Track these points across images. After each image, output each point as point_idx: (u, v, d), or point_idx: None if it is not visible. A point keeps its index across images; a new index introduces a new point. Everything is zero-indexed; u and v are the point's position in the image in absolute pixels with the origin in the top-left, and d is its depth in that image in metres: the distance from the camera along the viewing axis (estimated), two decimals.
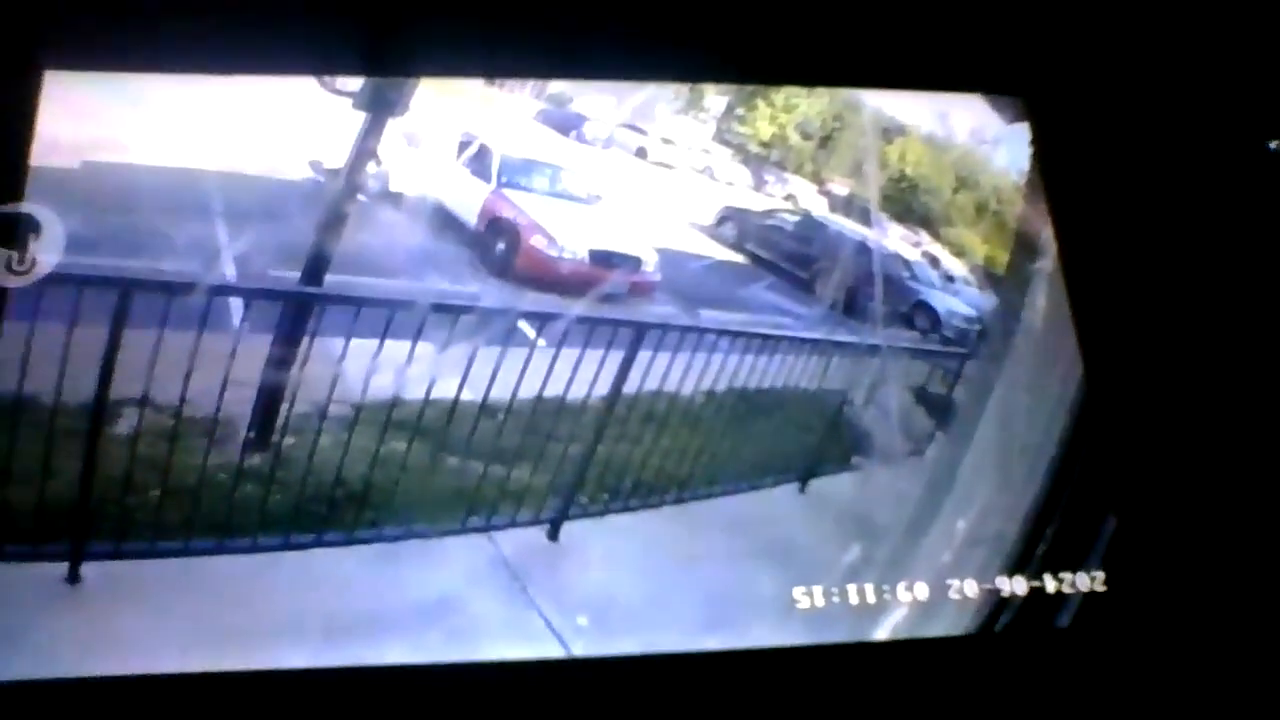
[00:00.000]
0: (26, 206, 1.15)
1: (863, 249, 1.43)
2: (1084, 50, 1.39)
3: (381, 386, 1.22)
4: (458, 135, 1.50)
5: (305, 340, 1.21)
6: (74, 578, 1.09)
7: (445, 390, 1.25)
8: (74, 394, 1.11)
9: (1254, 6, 1.39)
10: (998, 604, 1.19)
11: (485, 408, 1.27)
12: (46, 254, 1.13)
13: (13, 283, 1.12)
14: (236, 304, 1.22)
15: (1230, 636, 1.16)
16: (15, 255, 1.13)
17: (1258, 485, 1.21)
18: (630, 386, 1.32)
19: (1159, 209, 1.33)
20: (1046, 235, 1.33)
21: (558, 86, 1.54)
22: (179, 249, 1.21)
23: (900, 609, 1.17)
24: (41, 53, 1.22)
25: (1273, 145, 1.37)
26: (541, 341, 1.30)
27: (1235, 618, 1.17)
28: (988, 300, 1.44)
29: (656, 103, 1.56)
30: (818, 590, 1.15)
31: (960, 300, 1.44)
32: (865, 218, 1.44)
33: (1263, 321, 1.28)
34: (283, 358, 1.19)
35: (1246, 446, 1.23)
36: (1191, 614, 1.17)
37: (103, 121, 1.25)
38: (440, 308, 1.25)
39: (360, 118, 1.33)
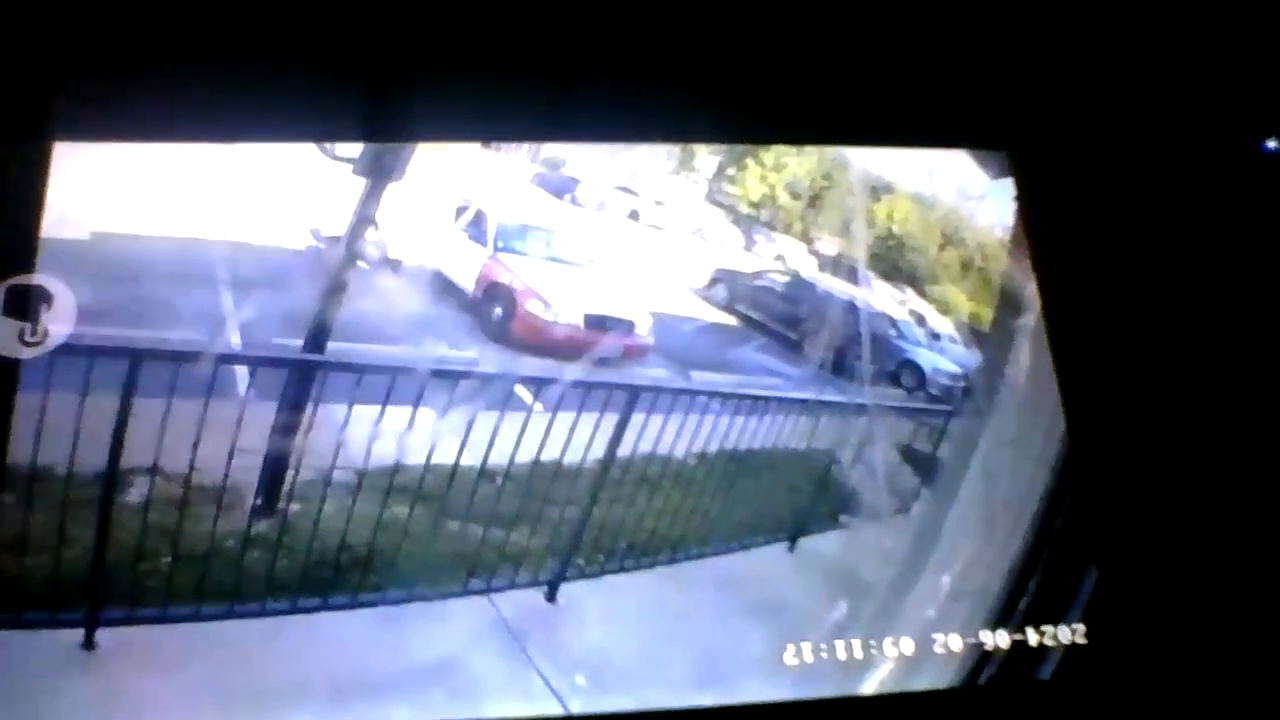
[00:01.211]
0: (38, 278, 1.18)
1: (850, 308, 1.46)
2: (1067, 105, 1.42)
3: (384, 453, 1.26)
4: (455, 200, 1.53)
5: (309, 407, 1.24)
6: (89, 644, 1.12)
7: (445, 455, 1.28)
8: (86, 463, 1.14)
9: (1234, 66, 1.41)
10: (981, 657, 1.22)
11: (484, 472, 1.30)
12: (58, 324, 1.16)
13: (26, 354, 1.15)
14: (242, 372, 1.25)
15: (1211, 688, 1.20)
16: (28, 327, 1.16)
17: (1237, 540, 1.25)
18: (624, 449, 1.35)
19: (1141, 264, 1.36)
20: (1030, 290, 1.36)
21: (552, 149, 1.57)
22: (186, 318, 1.24)
23: (887, 663, 1.20)
24: (50, 124, 1.25)
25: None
26: (538, 406, 1.33)
27: (1216, 670, 1.20)
28: (972, 357, 1.47)
29: (648, 164, 1.59)
30: (806, 646, 1.19)
31: (945, 358, 1.47)
32: (853, 276, 1.47)
33: (1247, 378, 1.31)
34: (287, 425, 1.23)
35: (1227, 501, 1.26)
36: (1172, 666, 1.21)
37: (111, 191, 1.28)
38: (440, 373, 1.28)
39: (360, 184, 1.36)
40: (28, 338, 1.15)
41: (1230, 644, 1.20)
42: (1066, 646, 1.22)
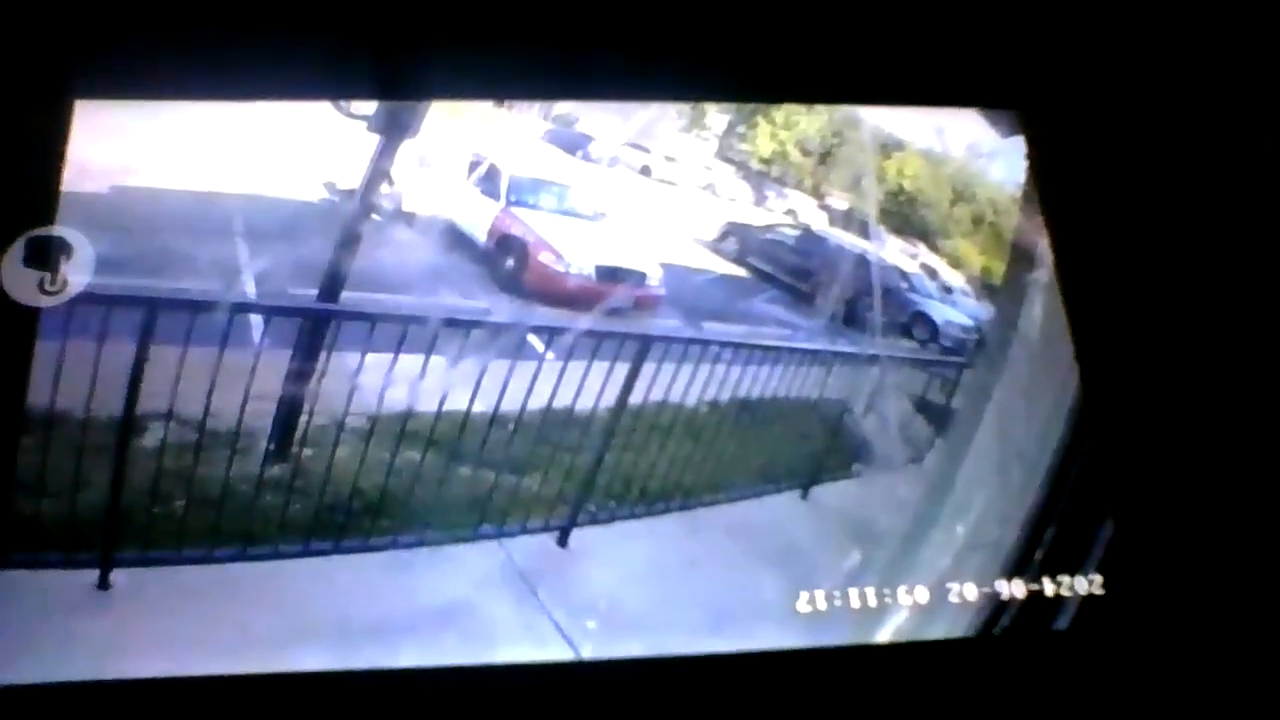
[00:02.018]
0: (58, 230, 1.20)
1: (862, 262, 1.46)
2: (1078, 64, 1.42)
3: (396, 399, 1.27)
4: (468, 156, 1.55)
5: (322, 355, 1.25)
6: (104, 584, 1.13)
7: (457, 402, 1.29)
8: (103, 409, 1.16)
9: (1248, 19, 1.41)
10: (997, 607, 1.21)
11: (496, 419, 1.31)
12: (77, 275, 1.19)
13: (45, 302, 1.17)
14: (257, 321, 1.26)
15: (1227, 638, 1.18)
16: (48, 276, 1.18)
17: (1253, 489, 1.24)
18: (636, 397, 1.36)
19: (1153, 218, 1.35)
20: (1042, 246, 1.36)
21: (564, 107, 1.58)
22: (202, 268, 1.26)
23: (901, 612, 1.20)
24: (72, 83, 1.28)
25: None
26: (550, 355, 1.34)
27: (1232, 620, 1.19)
28: (985, 310, 1.47)
29: (660, 122, 1.60)
30: (820, 594, 1.19)
31: (958, 310, 1.47)
32: (864, 231, 1.47)
33: (1258, 328, 1.31)
34: (301, 372, 1.24)
35: (1242, 450, 1.25)
36: (1188, 616, 1.19)
37: (130, 148, 1.30)
38: (452, 322, 1.30)
39: (374, 140, 1.38)
40: (47, 287, 1.18)
41: (1247, 594, 1.19)
42: (1083, 597, 1.21)
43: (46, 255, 1.18)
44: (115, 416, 1.16)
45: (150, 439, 1.18)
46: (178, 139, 1.33)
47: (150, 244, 1.26)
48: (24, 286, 1.16)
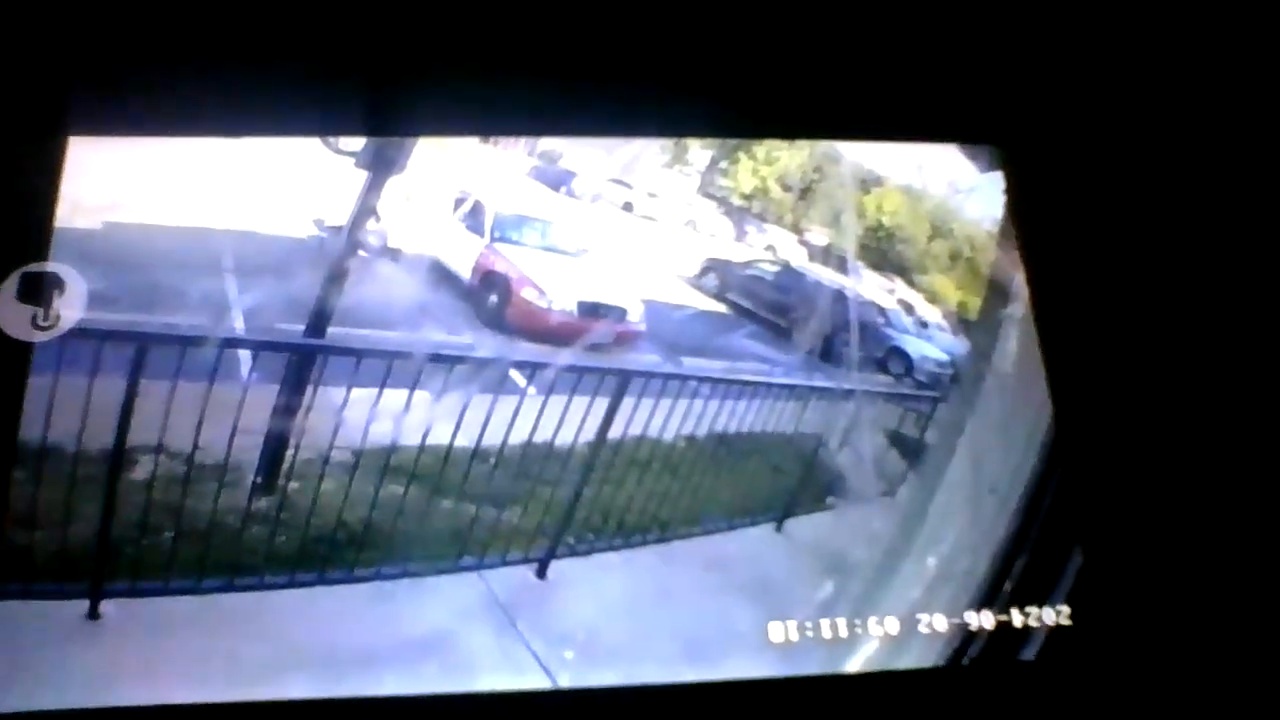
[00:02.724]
0: (51, 265, 1.23)
1: (839, 297, 1.48)
2: (1056, 100, 1.44)
3: (380, 433, 1.29)
4: (454, 192, 1.57)
5: (309, 390, 1.29)
6: (94, 614, 1.16)
7: (440, 436, 1.32)
8: (94, 442, 1.19)
9: (1224, 57, 1.43)
10: (966, 637, 1.24)
11: (478, 453, 1.33)
12: (69, 310, 1.21)
13: (38, 337, 1.20)
14: (245, 356, 1.29)
15: (1194, 669, 1.21)
16: (41, 311, 1.21)
17: (1222, 522, 1.26)
18: (615, 432, 1.38)
19: (1129, 254, 1.38)
20: (1018, 281, 1.38)
21: (549, 143, 1.60)
22: (192, 304, 1.28)
23: (871, 642, 1.23)
24: (65, 119, 1.30)
25: None
26: (532, 389, 1.36)
27: (1199, 651, 1.21)
28: (960, 345, 1.49)
29: (643, 157, 1.62)
30: (792, 624, 1.21)
31: (933, 345, 1.49)
32: (842, 266, 1.49)
33: (1231, 364, 1.33)
34: (288, 406, 1.27)
35: (1211, 484, 1.27)
36: (1155, 648, 1.22)
37: (123, 183, 1.33)
38: (436, 358, 1.32)
39: (362, 176, 1.41)
40: (40, 322, 1.20)
41: (1215, 626, 1.22)
42: (1051, 628, 1.24)
43: (40, 291, 1.21)
44: (106, 449, 1.19)
45: (140, 472, 1.21)
46: (169, 175, 1.35)
47: (141, 279, 1.29)
48: (18, 321, 1.19)
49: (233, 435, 1.23)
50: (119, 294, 1.25)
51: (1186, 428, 1.29)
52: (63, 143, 1.28)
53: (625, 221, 1.64)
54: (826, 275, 1.55)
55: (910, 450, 1.37)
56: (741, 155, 1.67)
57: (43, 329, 1.19)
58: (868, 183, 1.54)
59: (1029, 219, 1.42)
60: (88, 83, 1.31)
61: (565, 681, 1.16)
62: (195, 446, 1.22)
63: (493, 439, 1.33)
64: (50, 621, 1.13)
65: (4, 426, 1.15)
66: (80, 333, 1.20)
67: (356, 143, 1.40)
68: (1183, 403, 1.31)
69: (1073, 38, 1.43)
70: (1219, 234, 1.38)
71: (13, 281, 1.20)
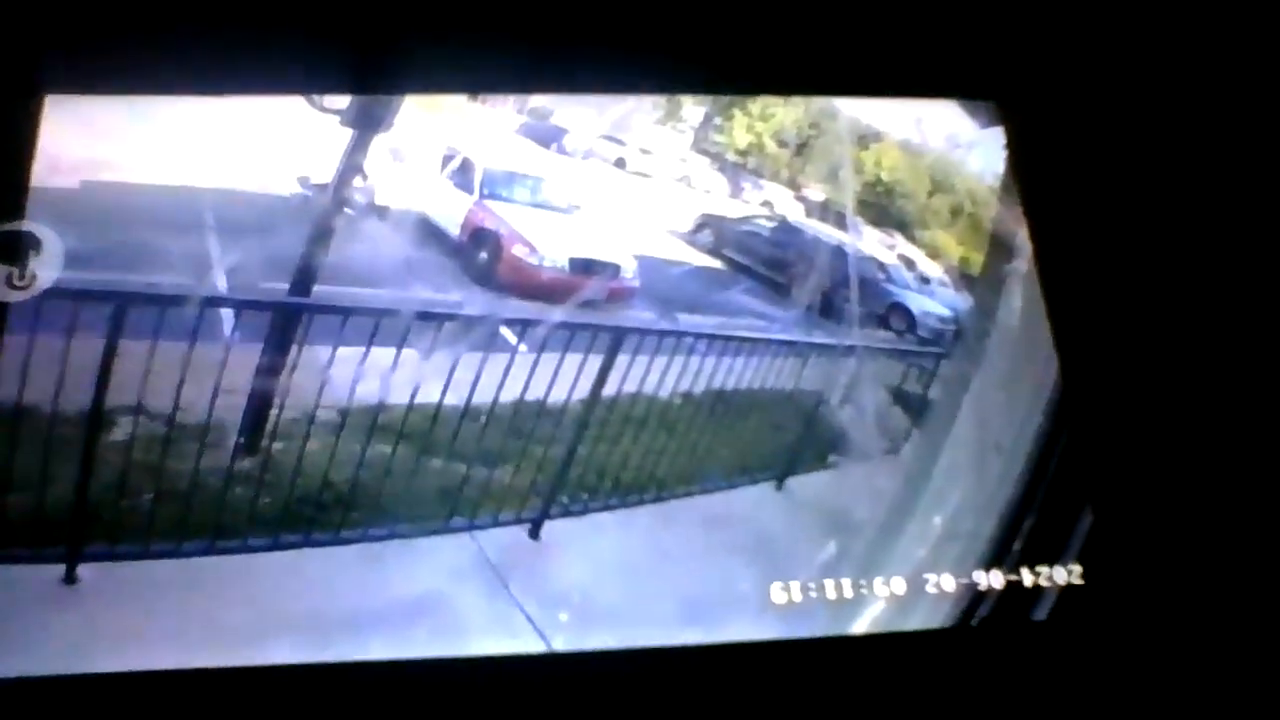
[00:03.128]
0: (27, 224, 1.20)
1: (838, 253, 1.45)
2: (1055, 54, 1.42)
3: (367, 392, 1.26)
4: (442, 149, 1.54)
5: (294, 349, 1.25)
6: (71, 579, 1.12)
7: (429, 395, 1.29)
8: (72, 403, 1.15)
9: (1226, 10, 1.41)
10: (974, 598, 1.20)
11: (468, 411, 1.30)
12: (46, 270, 1.18)
13: (13, 297, 1.17)
14: (228, 315, 1.25)
15: (1207, 628, 1.17)
16: (16, 271, 1.17)
17: (1232, 478, 1.23)
18: (609, 389, 1.35)
19: (1132, 208, 1.35)
20: (1020, 236, 1.35)
21: (539, 100, 1.57)
22: (173, 263, 1.25)
23: (878, 603, 1.19)
24: (42, 77, 1.27)
25: None
26: (523, 347, 1.33)
27: (1212, 610, 1.18)
28: (963, 301, 1.46)
29: (635, 114, 1.59)
30: (795, 585, 1.18)
31: (935, 301, 1.46)
32: (841, 222, 1.46)
33: (1238, 318, 1.30)
34: (272, 366, 1.23)
35: (1221, 440, 1.24)
36: (1168, 607, 1.19)
37: (101, 142, 1.30)
38: (424, 316, 1.28)
39: (347, 134, 1.37)
40: (15, 281, 1.17)
41: (1226, 583, 1.18)
42: (1062, 587, 1.20)
43: (15, 250, 1.18)
44: (84, 410, 1.15)
45: (119, 433, 1.17)
46: (149, 134, 1.32)
47: (121, 239, 1.25)
48: None
49: (214, 395, 1.20)
50: (98, 253, 1.22)
51: (1194, 383, 1.26)
52: (39, 101, 1.24)
53: (618, 178, 1.61)
54: (825, 231, 1.52)
55: (914, 407, 1.34)
56: (736, 111, 1.64)
57: (18, 289, 1.16)
58: (865, 138, 1.51)
59: (1030, 174, 1.39)
60: (64, 40, 1.29)
61: (560, 644, 1.12)
62: (176, 407, 1.19)
63: (483, 397, 1.30)
64: (26, 586, 1.10)
65: None
66: (56, 293, 1.16)
67: (342, 100, 1.36)
68: (1190, 357, 1.28)
69: None
70: (1222, 186, 1.35)
71: None
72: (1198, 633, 1.17)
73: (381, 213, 1.39)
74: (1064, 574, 1.21)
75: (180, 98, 1.33)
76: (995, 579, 1.20)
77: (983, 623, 1.20)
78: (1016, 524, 1.24)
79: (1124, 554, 1.21)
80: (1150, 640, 1.18)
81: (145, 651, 1.06)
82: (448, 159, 1.53)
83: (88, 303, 1.18)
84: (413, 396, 1.27)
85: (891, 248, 1.51)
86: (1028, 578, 1.21)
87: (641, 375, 1.39)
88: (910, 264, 1.50)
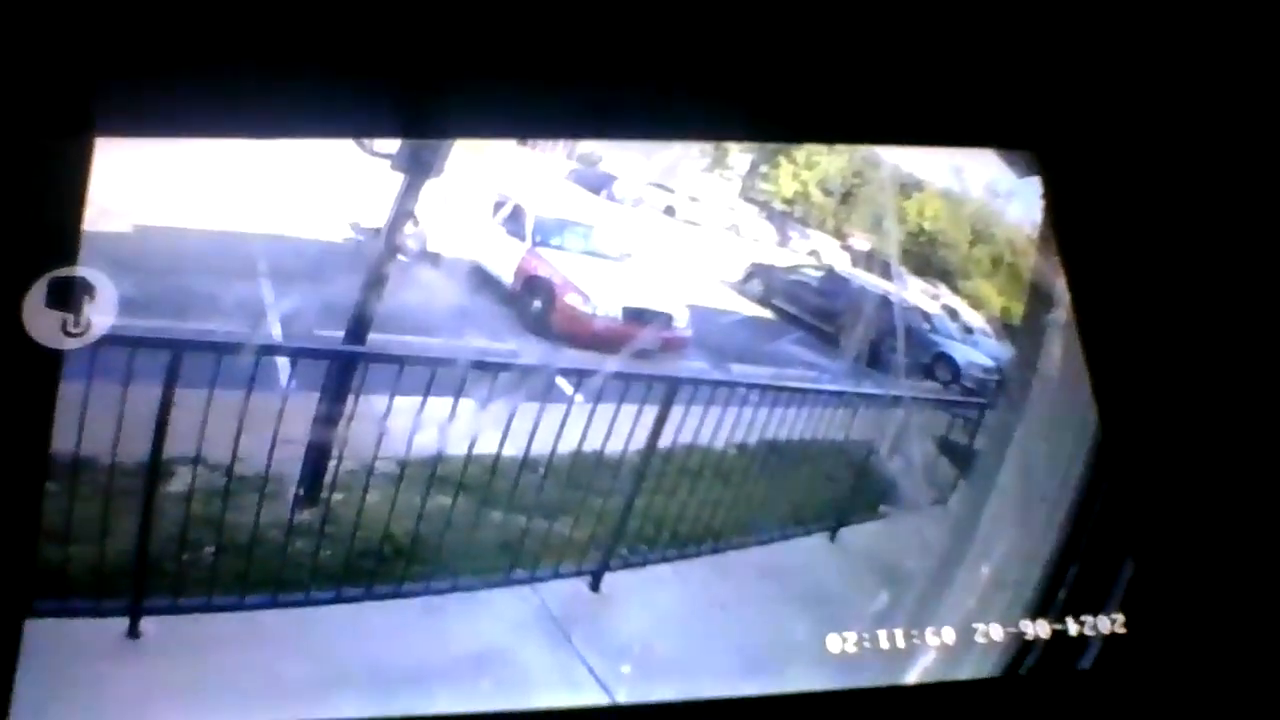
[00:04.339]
0: (80, 270, 1.19)
1: (884, 303, 1.48)
2: (1092, 104, 1.44)
3: (425, 443, 1.26)
4: (492, 196, 1.54)
5: (350, 398, 1.25)
6: (134, 633, 1.11)
7: (487, 446, 1.29)
8: (129, 453, 1.15)
9: (1261, 60, 1.44)
10: (1022, 647, 1.23)
11: (526, 462, 1.30)
12: (100, 316, 1.17)
13: (69, 344, 1.16)
14: (283, 363, 1.25)
15: (1248, 675, 1.20)
16: (71, 318, 1.17)
17: (1273, 527, 1.26)
18: (665, 440, 1.36)
19: (1168, 257, 1.38)
20: (1059, 285, 1.38)
21: (587, 146, 1.57)
22: (227, 310, 1.24)
23: (929, 653, 1.21)
24: (93, 120, 1.26)
25: None
26: (579, 397, 1.33)
27: (1252, 657, 1.21)
28: (1005, 350, 1.48)
29: (683, 161, 1.60)
30: (850, 636, 1.20)
31: (979, 351, 1.48)
32: (886, 272, 1.49)
33: (1275, 367, 1.33)
34: (329, 415, 1.23)
35: (1260, 488, 1.27)
36: (1210, 654, 1.21)
37: (152, 186, 1.29)
38: (480, 365, 1.29)
39: (398, 179, 1.37)
40: (70, 329, 1.16)
41: (1269, 631, 1.21)
42: (1106, 636, 1.23)
43: (69, 296, 1.17)
44: (142, 461, 1.15)
45: (178, 484, 1.16)
46: (200, 177, 1.31)
47: (174, 284, 1.25)
48: (47, 328, 1.15)
49: (273, 445, 1.20)
50: (151, 299, 1.21)
51: (1233, 431, 1.29)
52: (90, 144, 1.23)
53: (667, 226, 1.62)
54: (871, 280, 1.54)
55: (960, 457, 1.36)
56: (782, 160, 1.65)
57: (73, 336, 1.15)
58: (908, 187, 1.53)
59: (1067, 223, 1.42)
60: (115, 83, 1.27)
61: (623, 697, 1.13)
62: (234, 457, 1.19)
63: (541, 448, 1.30)
64: (89, 640, 1.09)
65: (36, 437, 1.11)
66: (112, 339, 1.16)
67: (392, 145, 1.37)
68: (1228, 406, 1.31)
69: (1107, 43, 1.44)
70: (1259, 236, 1.38)
71: (41, 287, 1.16)
72: (1238, 681, 1.20)
73: (434, 259, 1.39)
74: (1107, 623, 1.23)
75: (231, 140, 1.32)
76: (1042, 628, 1.23)
77: (1030, 672, 1.22)
78: (1061, 573, 1.27)
79: (1165, 603, 1.23)
80: (1191, 687, 1.21)
81: (208, 706, 1.06)
82: (499, 205, 1.53)
83: (143, 350, 1.18)
84: (471, 447, 1.27)
85: (935, 297, 1.53)
86: (1073, 627, 1.23)
87: (696, 426, 1.40)
88: (954, 314, 1.52)
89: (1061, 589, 1.25)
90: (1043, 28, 1.43)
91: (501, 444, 1.28)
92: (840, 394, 1.42)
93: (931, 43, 1.42)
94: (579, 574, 1.26)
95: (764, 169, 1.66)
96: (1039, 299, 1.40)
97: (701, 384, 1.42)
